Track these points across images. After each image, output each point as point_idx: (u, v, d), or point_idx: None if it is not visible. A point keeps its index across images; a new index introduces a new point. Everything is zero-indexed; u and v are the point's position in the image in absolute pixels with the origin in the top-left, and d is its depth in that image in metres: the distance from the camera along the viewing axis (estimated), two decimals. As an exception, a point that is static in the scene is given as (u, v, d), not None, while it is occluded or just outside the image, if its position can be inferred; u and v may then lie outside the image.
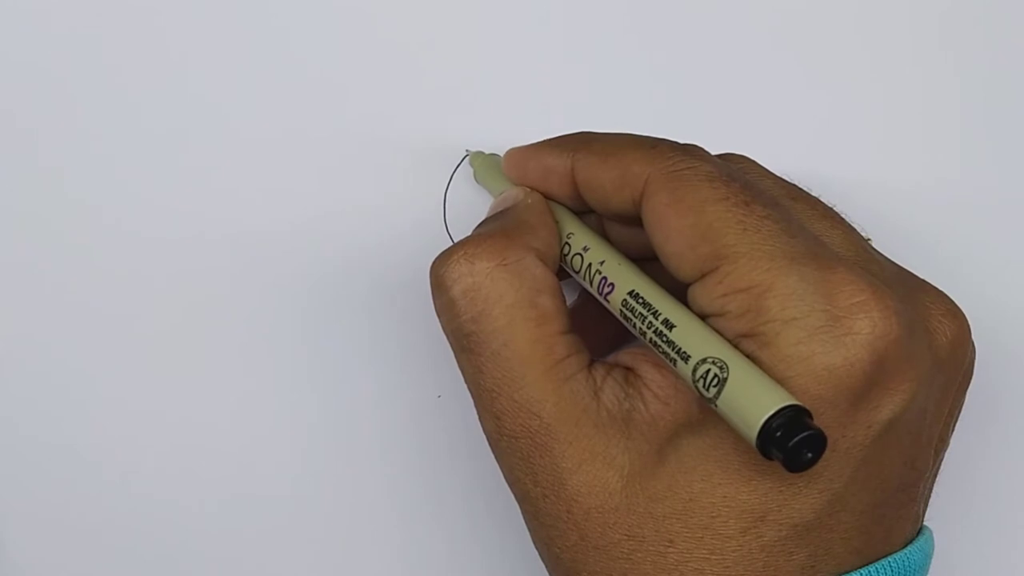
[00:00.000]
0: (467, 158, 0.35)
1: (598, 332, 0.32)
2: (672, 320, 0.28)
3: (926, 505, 0.31)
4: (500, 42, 0.36)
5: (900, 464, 0.29)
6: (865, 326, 0.26)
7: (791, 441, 0.24)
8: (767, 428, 0.25)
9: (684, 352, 0.27)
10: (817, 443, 0.25)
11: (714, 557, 0.27)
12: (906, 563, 0.29)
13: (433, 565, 0.38)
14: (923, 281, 0.30)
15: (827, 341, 0.26)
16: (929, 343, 0.28)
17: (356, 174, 0.36)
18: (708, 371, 0.26)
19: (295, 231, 0.36)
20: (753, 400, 0.25)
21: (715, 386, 0.26)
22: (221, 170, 0.35)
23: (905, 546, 0.29)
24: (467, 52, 0.36)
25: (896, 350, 0.27)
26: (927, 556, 0.30)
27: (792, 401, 0.25)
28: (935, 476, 0.31)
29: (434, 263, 0.30)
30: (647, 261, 0.30)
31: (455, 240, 0.36)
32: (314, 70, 0.35)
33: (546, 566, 0.30)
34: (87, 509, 0.37)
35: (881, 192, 0.35)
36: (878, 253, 0.30)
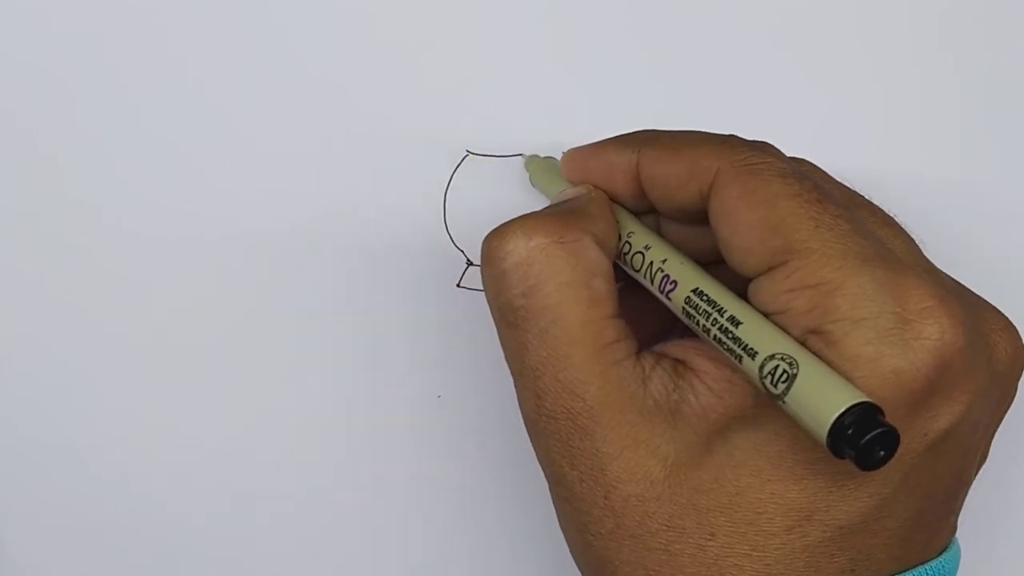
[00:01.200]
0: (466, 159, 0.35)
1: (639, 326, 0.32)
2: (738, 317, 0.27)
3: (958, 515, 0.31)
4: (500, 42, 0.36)
5: (948, 474, 0.29)
6: (934, 332, 0.26)
7: (864, 438, 0.24)
8: (838, 425, 0.24)
9: (751, 348, 0.27)
10: (890, 440, 0.24)
11: (755, 553, 0.27)
12: (940, 571, 0.29)
13: (433, 565, 0.38)
14: (979, 296, 0.30)
15: (896, 343, 0.26)
16: (988, 357, 0.28)
17: (356, 174, 0.36)
18: (777, 367, 0.26)
19: (295, 231, 0.36)
20: (824, 397, 0.25)
21: (784, 382, 0.26)
22: (221, 170, 0.35)
23: (940, 554, 0.29)
24: (467, 52, 0.36)
25: (960, 360, 0.26)
26: (957, 565, 0.30)
27: (864, 398, 0.25)
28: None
29: (489, 235, 0.29)
30: (705, 264, 0.30)
31: (455, 241, 0.36)
32: (314, 70, 0.35)
33: (574, 553, 0.30)
34: (87, 509, 0.37)
35: (881, 191, 0.35)
36: (933, 264, 0.30)
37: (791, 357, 0.26)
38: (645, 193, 0.31)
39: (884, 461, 0.24)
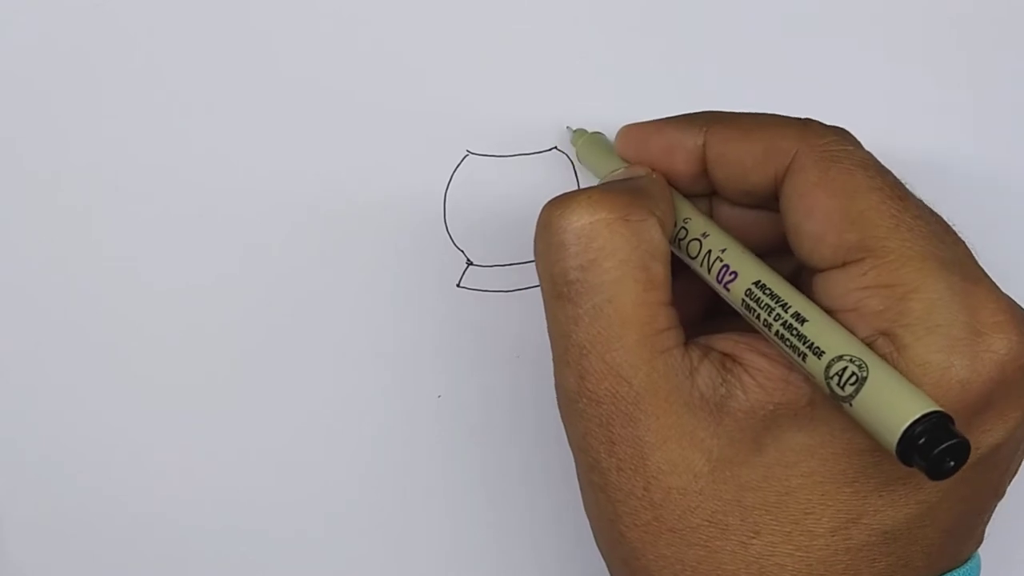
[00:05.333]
0: (466, 159, 0.35)
1: (682, 312, 0.32)
2: (804, 314, 0.27)
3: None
4: (500, 42, 0.36)
5: (988, 487, 0.29)
6: (1003, 346, 0.26)
7: (936, 449, 0.24)
8: (909, 434, 0.24)
9: (817, 348, 0.26)
10: (961, 451, 0.24)
11: (799, 553, 0.27)
12: None
13: (433, 564, 0.38)
14: None
15: (966, 354, 0.26)
16: None
17: (356, 174, 0.36)
18: (845, 369, 0.25)
19: (295, 231, 0.36)
20: (894, 403, 0.24)
21: (852, 385, 0.25)
22: (220, 171, 0.35)
23: (965, 563, 0.29)
24: (468, 52, 0.35)
25: (1020, 375, 0.26)
26: (979, 572, 0.30)
27: (937, 407, 0.24)
28: None
29: (550, 203, 0.28)
30: (760, 254, 0.29)
31: (455, 241, 0.36)
32: (314, 70, 0.35)
33: (601, 543, 0.29)
34: (87, 509, 0.37)
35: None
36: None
37: (861, 359, 0.25)
38: (707, 175, 0.30)
39: (953, 471, 0.24)
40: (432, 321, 0.36)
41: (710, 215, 0.32)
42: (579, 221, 0.27)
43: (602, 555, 0.30)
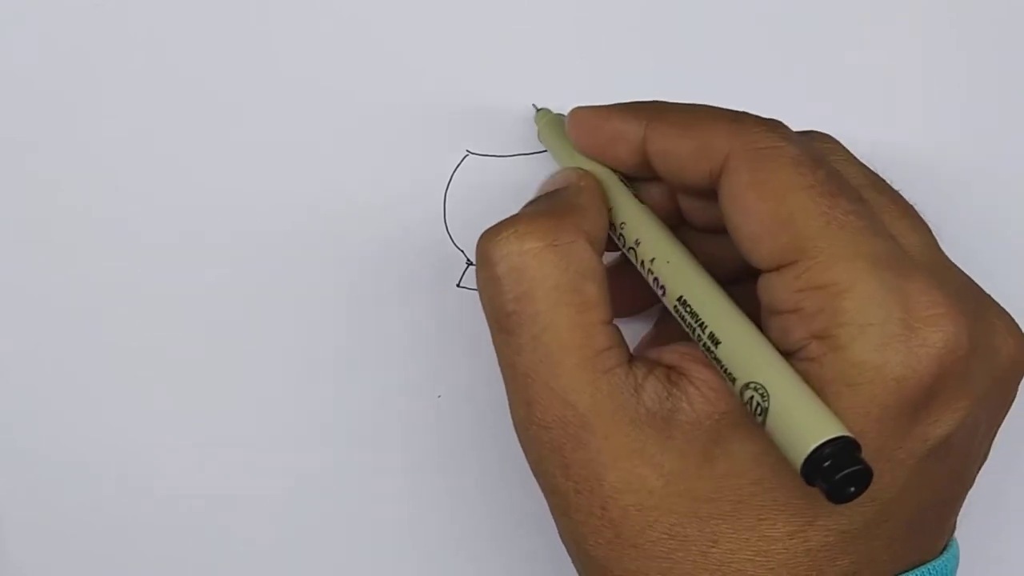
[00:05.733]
0: (466, 159, 0.35)
1: (632, 293, 0.32)
2: (718, 335, 0.27)
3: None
4: (500, 42, 0.36)
5: (948, 478, 0.28)
6: (939, 340, 0.26)
7: (838, 474, 0.24)
8: (815, 456, 0.24)
9: (729, 372, 0.26)
10: (863, 478, 0.24)
11: (759, 558, 0.27)
12: (941, 571, 0.29)
13: (433, 565, 0.38)
14: (986, 294, 0.30)
15: (900, 351, 0.26)
16: (991, 361, 0.28)
17: (356, 174, 0.36)
18: (752, 397, 0.26)
19: (295, 231, 0.36)
20: (796, 430, 0.25)
21: (758, 414, 0.26)
22: (220, 171, 0.35)
23: (940, 555, 0.29)
24: (468, 52, 0.35)
25: (961, 367, 0.26)
26: (956, 564, 0.30)
27: (842, 432, 0.24)
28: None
29: (482, 237, 0.29)
30: (718, 234, 0.29)
31: (455, 241, 0.36)
32: (314, 70, 0.35)
33: (575, 562, 0.30)
34: (87, 509, 0.37)
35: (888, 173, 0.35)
36: (948, 259, 0.30)
37: (763, 388, 0.26)
38: (650, 165, 0.30)
39: (854, 497, 0.24)
40: (432, 321, 0.36)
41: (672, 198, 0.31)
42: (510, 255, 0.28)
43: (578, 573, 0.30)
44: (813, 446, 0.24)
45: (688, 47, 0.36)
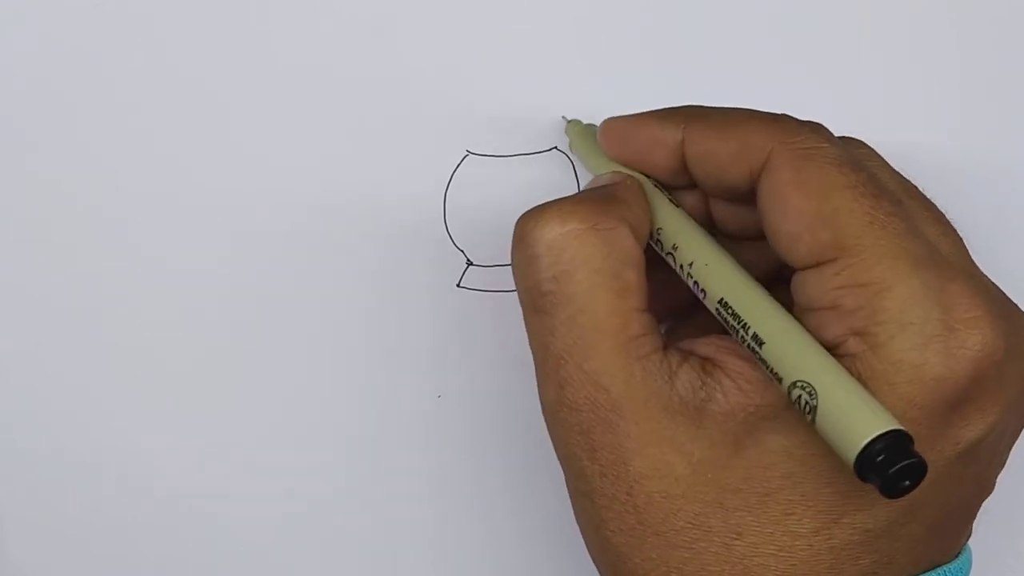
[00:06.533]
0: (466, 159, 0.35)
1: (667, 296, 0.31)
2: (761, 335, 0.27)
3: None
4: (500, 42, 0.36)
5: (972, 482, 0.29)
6: (976, 342, 0.26)
7: (892, 468, 0.24)
8: (867, 451, 0.24)
9: (775, 372, 0.26)
10: (917, 471, 0.24)
11: (782, 554, 0.27)
12: (955, 575, 0.29)
13: (433, 564, 0.38)
14: (1013, 303, 0.30)
15: (939, 351, 0.26)
16: (1021, 368, 0.28)
17: (356, 174, 0.36)
18: (800, 396, 0.26)
19: (295, 231, 0.36)
20: (847, 426, 0.25)
21: (808, 413, 0.25)
22: (221, 170, 0.35)
23: (954, 559, 0.29)
24: (468, 52, 0.35)
25: (996, 371, 0.26)
26: (969, 567, 0.30)
27: (896, 426, 0.24)
28: None
29: (523, 216, 0.28)
30: (749, 241, 0.29)
31: (455, 241, 0.36)
32: (314, 70, 0.35)
33: (591, 548, 0.30)
34: (88, 509, 0.37)
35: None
36: (977, 266, 0.30)
37: (811, 386, 0.25)
38: (687, 170, 0.30)
39: (909, 491, 0.24)
40: (432, 321, 0.36)
41: (704, 206, 0.31)
42: (550, 233, 0.28)
43: (592, 560, 0.30)
44: (866, 440, 0.24)
45: (688, 47, 0.36)
